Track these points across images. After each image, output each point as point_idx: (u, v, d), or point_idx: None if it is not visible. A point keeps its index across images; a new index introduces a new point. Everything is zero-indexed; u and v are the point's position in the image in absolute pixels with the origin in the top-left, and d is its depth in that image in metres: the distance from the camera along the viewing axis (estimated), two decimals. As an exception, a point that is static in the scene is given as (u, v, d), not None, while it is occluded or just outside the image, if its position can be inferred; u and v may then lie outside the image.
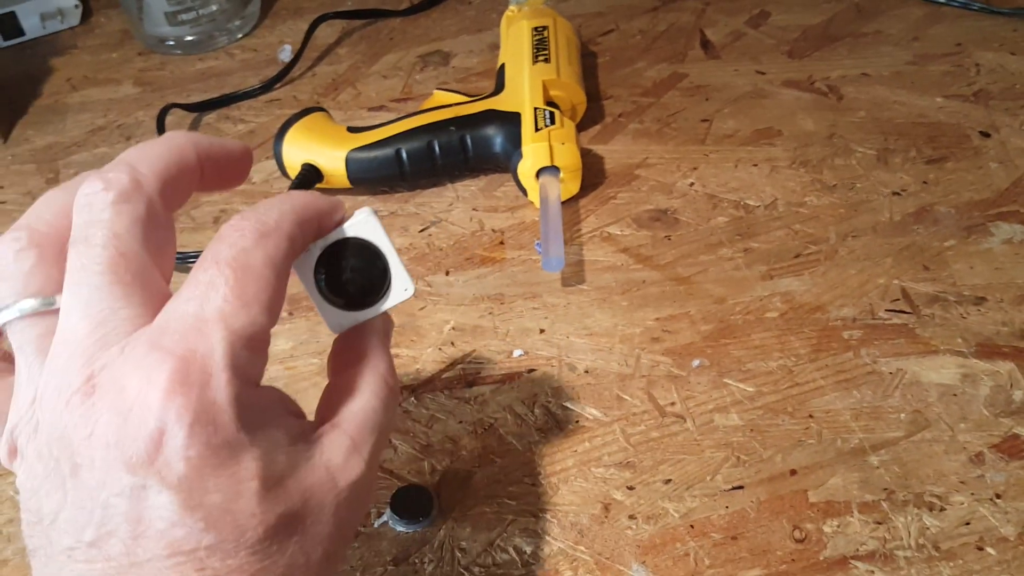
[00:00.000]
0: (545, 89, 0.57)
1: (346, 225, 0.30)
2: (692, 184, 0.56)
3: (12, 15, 0.75)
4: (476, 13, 0.74)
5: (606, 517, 0.40)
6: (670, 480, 0.41)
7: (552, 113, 0.55)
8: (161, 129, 0.62)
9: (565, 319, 0.49)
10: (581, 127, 0.61)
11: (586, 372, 0.46)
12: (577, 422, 0.44)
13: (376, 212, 0.30)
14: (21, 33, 0.76)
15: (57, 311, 0.25)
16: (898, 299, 0.48)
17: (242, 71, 0.70)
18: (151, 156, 0.27)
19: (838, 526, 0.39)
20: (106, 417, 0.23)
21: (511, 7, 0.65)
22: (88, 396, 0.23)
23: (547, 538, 0.40)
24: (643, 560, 0.39)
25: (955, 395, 0.43)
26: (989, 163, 0.56)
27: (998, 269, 0.49)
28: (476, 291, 0.51)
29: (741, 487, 0.41)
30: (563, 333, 0.48)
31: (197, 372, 0.23)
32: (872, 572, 0.37)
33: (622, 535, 0.40)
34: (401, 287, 0.31)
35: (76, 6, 0.77)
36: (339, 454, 0.27)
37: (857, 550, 0.38)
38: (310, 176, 0.56)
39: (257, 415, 0.24)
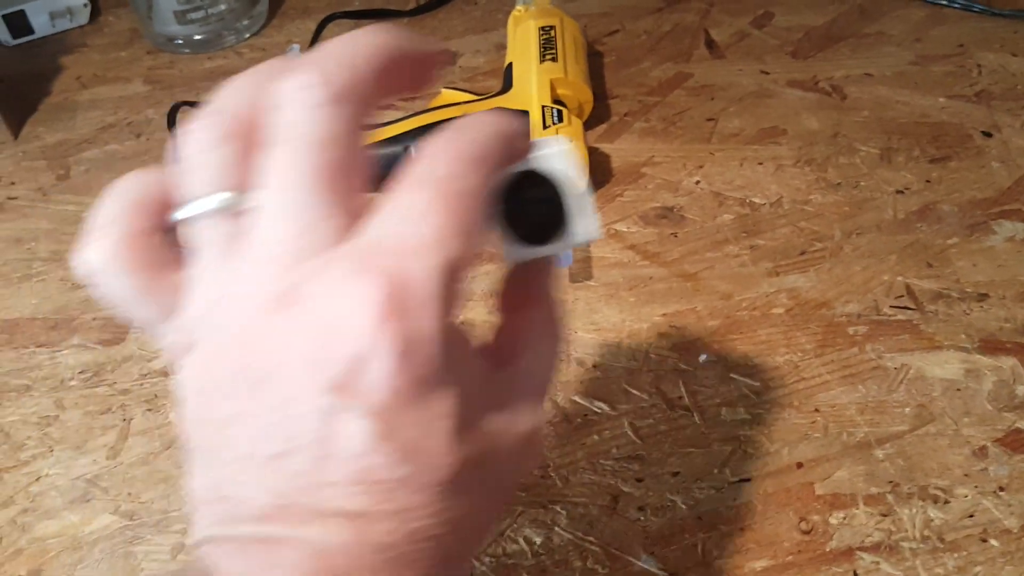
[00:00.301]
0: (552, 88, 0.58)
1: (539, 154, 0.27)
2: (698, 182, 0.57)
3: (22, 13, 0.75)
4: (482, 13, 0.75)
5: (615, 509, 0.41)
6: (678, 472, 0.42)
7: (560, 111, 0.55)
8: (173, 127, 0.63)
9: (573, 314, 0.50)
10: (587, 126, 0.61)
11: (594, 367, 0.47)
12: (585, 415, 0.45)
13: (567, 145, 0.28)
14: (30, 31, 0.77)
15: (248, 210, 0.23)
16: (902, 295, 0.49)
17: (250, 70, 0.71)
18: (365, 52, 0.24)
19: (844, 518, 0.40)
20: (307, 332, 0.21)
21: (518, 7, 0.66)
22: (287, 307, 0.22)
23: (556, 529, 0.40)
24: (652, 551, 0.39)
25: (959, 390, 0.44)
26: (991, 162, 0.56)
27: (1000, 266, 0.50)
28: (485, 287, 0.52)
29: (748, 480, 0.41)
30: (571, 328, 0.49)
31: (411, 299, 0.21)
32: (878, 563, 0.38)
33: (631, 526, 0.40)
34: (588, 226, 0.28)
35: (85, 5, 0.77)
36: (521, 401, 0.26)
37: (863, 541, 0.39)
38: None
39: (455, 351, 0.23)
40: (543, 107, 0.56)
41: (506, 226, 0.27)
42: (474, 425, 0.24)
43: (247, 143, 0.24)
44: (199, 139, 0.23)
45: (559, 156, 0.28)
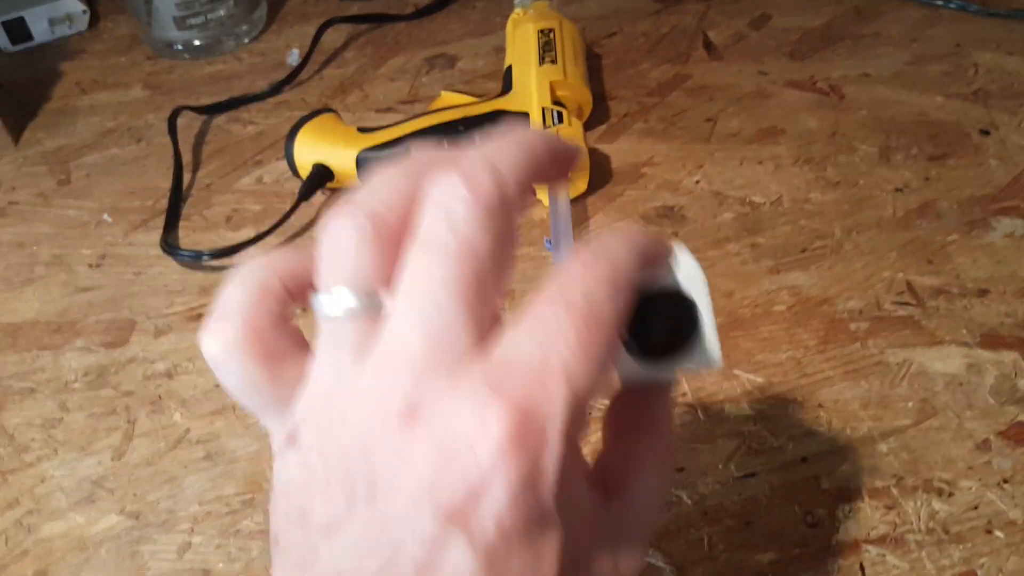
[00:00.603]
0: (552, 90, 0.58)
1: (672, 271, 0.26)
2: (698, 182, 0.57)
3: (21, 20, 0.76)
4: (480, 17, 0.75)
5: (621, 505, 0.41)
6: (683, 468, 0.42)
7: (560, 113, 0.56)
8: (173, 131, 0.63)
9: (575, 313, 0.50)
10: (587, 127, 0.62)
11: (597, 364, 0.47)
12: (589, 412, 0.45)
13: (698, 262, 0.26)
14: (30, 38, 0.77)
15: (383, 315, 0.22)
16: (903, 292, 0.49)
17: (250, 74, 0.71)
18: (513, 160, 0.24)
19: (849, 511, 0.40)
20: (427, 453, 0.20)
21: (516, 10, 0.66)
22: (411, 422, 0.21)
23: (563, 525, 0.40)
24: (658, 545, 0.39)
25: (961, 384, 0.44)
26: (989, 160, 0.56)
27: (1000, 262, 0.50)
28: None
29: (753, 474, 0.42)
30: (574, 327, 0.49)
31: (535, 433, 0.20)
32: (884, 555, 0.38)
33: (637, 522, 0.40)
34: (709, 351, 0.26)
35: (84, 11, 0.78)
36: (627, 539, 0.24)
37: (868, 534, 0.39)
38: (321, 176, 0.57)
39: (569, 486, 0.22)
40: (543, 109, 0.56)
41: (627, 342, 0.25)
42: (579, 566, 0.22)
43: (392, 243, 0.23)
44: (343, 234, 0.23)
45: (694, 278, 0.26)
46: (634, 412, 0.26)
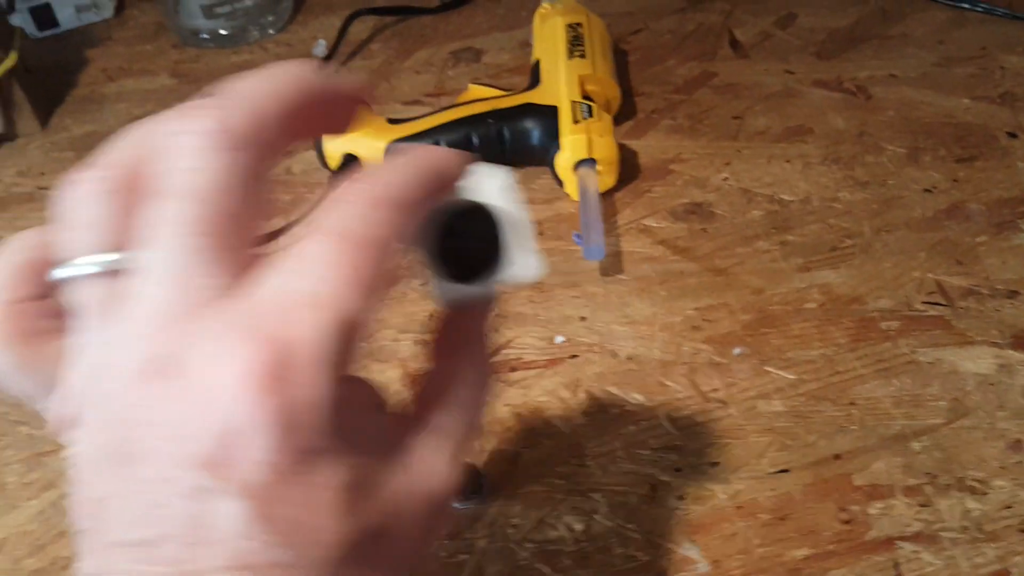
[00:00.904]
0: (581, 84, 0.58)
1: (477, 187, 0.25)
2: (726, 179, 0.57)
3: (47, 6, 0.76)
4: (506, 11, 0.75)
5: (654, 497, 0.41)
6: (717, 463, 0.42)
7: (589, 106, 0.56)
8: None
9: (605, 307, 0.50)
10: (615, 122, 0.61)
11: (628, 359, 0.47)
12: (622, 406, 0.45)
13: (507, 175, 0.26)
14: (56, 24, 0.77)
15: (130, 270, 0.21)
16: (933, 292, 0.49)
17: (276, 64, 0.71)
18: (272, 92, 0.22)
19: (883, 508, 0.40)
20: (177, 405, 0.19)
21: (544, 4, 0.66)
22: (157, 377, 0.20)
23: (596, 517, 0.41)
24: (693, 539, 0.40)
25: (992, 384, 0.44)
26: (1017, 163, 0.57)
27: (1030, 264, 0.50)
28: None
29: (787, 470, 0.42)
30: (604, 321, 0.49)
31: (295, 365, 0.19)
32: (918, 552, 0.38)
33: (671, 515, 0.41)
34: (527, 263, 0.25)
35: (110, -1, 0.78)
36: (434, 459, 0.24)
37: (903, 531, 0.39)
38: (350, 166, 0.57)
39: (347, 415, 0.21)
40: (573, 102, 0.56)
41: (439, 264, 0.25)
42: (372, 493, 0.22)
43: (133, 196, 0.21)
44: (80, 193, 0.22)
45: (500, 190, 0.25)
46: (450, 332, 0.26)
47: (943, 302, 0.49)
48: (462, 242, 0.25)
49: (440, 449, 0.24)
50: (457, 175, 0.25)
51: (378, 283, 0.21)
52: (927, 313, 0.48)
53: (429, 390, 0.25)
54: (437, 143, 0.56)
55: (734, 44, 0.69)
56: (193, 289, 0.20)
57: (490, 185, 0.25)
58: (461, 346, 0.26)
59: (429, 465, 0.23)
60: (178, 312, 0.20)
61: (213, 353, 0.19)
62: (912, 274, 0.50)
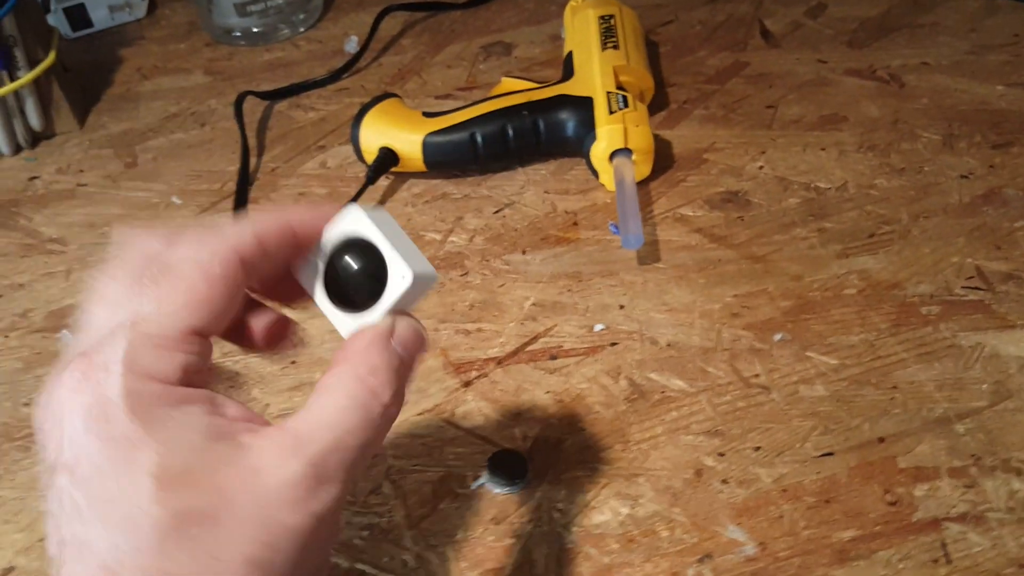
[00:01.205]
0: (615, 75, 0.59)
1: (340, 227, 0.28)
2: (761, 167, 0.57)
3: (82, 7, 0.77)
4: (535, 5, 0.76)
5: (699, 481, 0.41)
6: (760, 447, 0.42)
7: (624, 97, 0.56)
8: (239, 116, 0.64)
9: (644, 295, 0.50)
10: (648, 112, 0.62)
11: (668, 345, 0.48)
12: (663, 392, 0.45)
13: (370, 207, 0.28)
14: (90, 24, 0.78)
15: None
16: (972, 276, 0.49)
17: (309, 61, 0.72)
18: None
19: (928, 490, 0.40)
20: (39, 418, 0.24)
21: (575, -3, 0.67)
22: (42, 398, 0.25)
23: (642, 501, 0.41)
24: (739, 522, 0.40)
25: (1035, 368, 0.44)
26: (1054, 148, 0.56)
27: (1070, 248, 0.50)
28: (553, 269, 0.52)
29: (831, 454, 0.42)
30: (643, 309, 0.50)
31: (96, 370, 0.24)
32: (965, 533, 0.38)
33: (716, 498, 0.41)
34: (398, 275, 0.28)
35: (143, -1, 0.79)
36: (273, 453, 0.25)
37: (949, 512, 0.39)
38: (387, 159, 0.58)
39: (161, 411, 0.24)
40: (608, 93, 0.57)
41: (334, 301, 0.28)
42: (189, 478, 0.23)
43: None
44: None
45: (355, 220, 0.28)
46: (341, 352, 0.28)
47: (983, 287, 0.49)
48: (343, 275, 0.28)
49: (278, 444, 0.25)
50: (305, 219, 0.28)
51: (179, 303, 0.26)
52: (967, 298, 0.48)
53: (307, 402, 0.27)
54: (473, 135, 0.57)
55: (765, 34, 0.69)
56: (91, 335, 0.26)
57: (347, 218, 0.28)
58: (339, 362, 0.27)
59: (264, 458, 0.24)
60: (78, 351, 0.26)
61: (58, 373, 0.25)
62: (951, 259, 0.50)
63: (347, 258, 0.28)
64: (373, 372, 0.27)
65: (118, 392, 0.23)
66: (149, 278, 0.25)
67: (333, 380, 0.27)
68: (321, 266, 0.29)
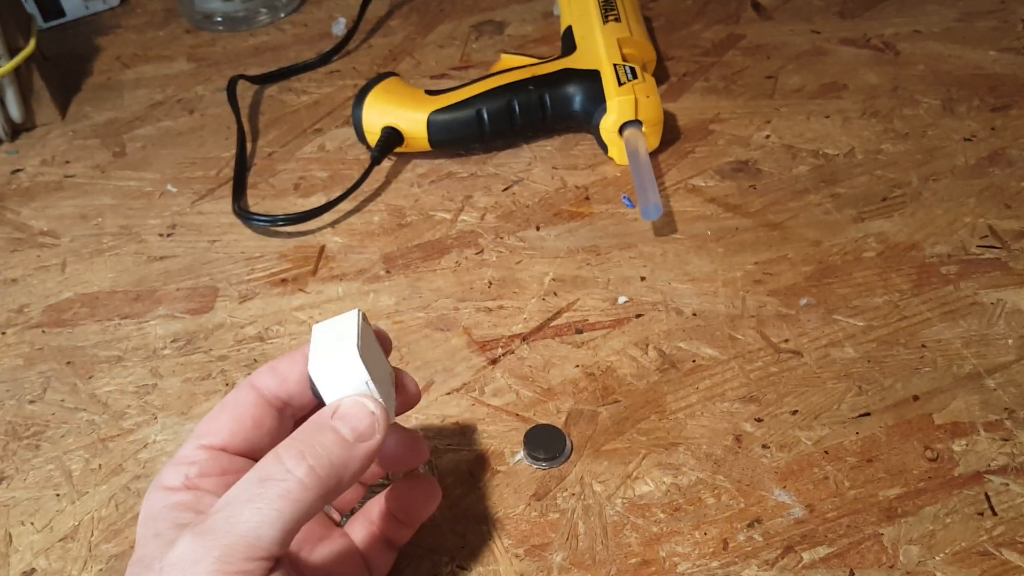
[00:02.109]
0: (619, 47, 0.58)
1: (333, 327, 0.32)
2: (768, 136, 0.57)
3: (53, -5, 0.74)
4: (522, -16, 0.75)
5: (739, 447, 0.41)
6: (797, 411, 0.42)
7: (632, 68, 0.56)
8: (233, 100, 0.62)
9: (664, 266, 0.50)
10: (649, 87, 0.61)
11: (694, 315, 0.47)
12: (694, 361, 0.45)
13: (353, 314, 0.32)
14: (62, 14, 0.75)
15: None
16: (987, 235, 0.50)
17: (296, 45, 0.70)
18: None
19: (967, 444, 0.40)
20: None
21: (568, -27, 0.66)
22: None
23: (684, 469, 0.41)
24: (784, 485, 0.40)
25: (1057, 321, 0.45)
26: (1051, 109, 0.57)
27: (1077, 205, 0.51)
28: (570, 244, 0.52)
29: (868, 414, 0.42)
30: (665, 279, 0.49)
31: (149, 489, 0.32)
32: (1007, 484, 0.39)
33: (758, 463, 0.40)
34: (355, 379, 0.31)
35: (116, -14, 0.76)
36: (191, 546, 0.27)
37: (988, 465, 0.39)
38: (391, 139, 0.56)
39: (157, 509, 0.30)
40: (615, 65, 0.56)
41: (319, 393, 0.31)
42: (140, 563, 0.29)
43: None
44: None
45: (351, 325, 0.32)
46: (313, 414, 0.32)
47: (997, 245, 0.49)
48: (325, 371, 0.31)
49: (201, 548, 0.27)
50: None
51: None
52: (983, 256, 0.49)
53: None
54: (479, 112, 0.56)
55: (756, 7, 0.69)
56: None
57: (344, 325, 0.32)
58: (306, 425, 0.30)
59: (183, 554, 0.27)
60: None
61: None
62: (964, 219, 0.51)
63: (330, 354, 0.31)
64: (287, 448, 0.29)
65: (145, 505, 0.31)
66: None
67: (265, 457, 0.29)
68: (316, 359, 0.31)
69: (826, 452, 0.41)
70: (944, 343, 0.45)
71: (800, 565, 0.37)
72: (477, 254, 0.52)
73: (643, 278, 0.49)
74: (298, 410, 0.34)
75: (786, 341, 0.45)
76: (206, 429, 0.32)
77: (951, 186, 0.53)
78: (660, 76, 0.63)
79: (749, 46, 0.65)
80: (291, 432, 0.30)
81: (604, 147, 0.57)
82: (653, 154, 0.57)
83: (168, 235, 0.55)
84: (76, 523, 0.41)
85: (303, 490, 0.28)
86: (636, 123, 0.54)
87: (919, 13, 0.67)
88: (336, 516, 0.38)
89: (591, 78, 0.56)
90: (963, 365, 0.43)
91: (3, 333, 0.50)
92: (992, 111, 0.58)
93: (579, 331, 0.47)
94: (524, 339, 0.47)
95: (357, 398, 0.31)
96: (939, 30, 0.65)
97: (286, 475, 0.28)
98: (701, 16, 0.68)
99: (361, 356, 0.31)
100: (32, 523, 0.41)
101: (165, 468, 0.32)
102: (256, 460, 0.31)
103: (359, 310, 0.33)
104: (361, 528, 0.37)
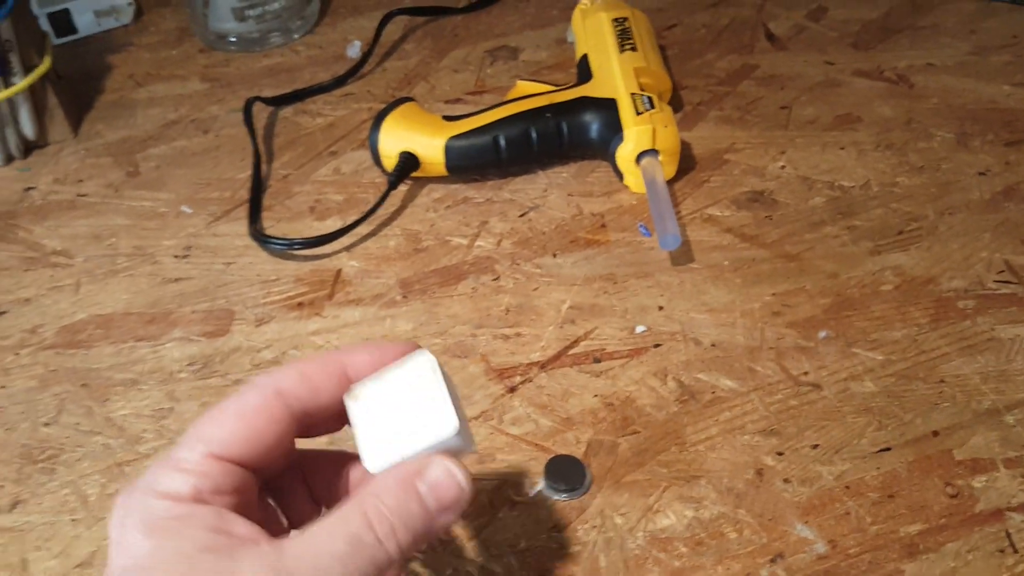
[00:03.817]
0: (636, 76, 0.58)
1: (399, 365, 0.30)
2: (783, 167, 0.57)
3: (66, 12, 0.74)
4: (536, 10, 0.75)
5: (761, 481, 0.41)
6: (817, 445, 0.42)
7: (650, 97, 0.56)
8: (249, 122, 0.62)
9: (682, 296, 0.50)
10: (664, 115, 0.62)
11: (713, 345, 0.47)
12: (713, 392, 0.45)
13: (432, 357, 0.30)
14: (74, 31, 0.75)
15: None
16: (1003, 271, 0.50)
17: (310, 67, 0.70)
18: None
19: (987, 481, 0.40)
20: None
21: (584, 1, 0.66)
22: None
23: (705, 502, 0.40)
24: (806, 520, 0.39)
25: (1075, 358, 0.45)
26: (1063, 145, 0.58)
27: (1092, 242, 0.51)
28: (587, 271, 0.52)
29: (888, 449, 0.42)
30: (682, 309, 0.49)
31: (131, 490, 0.28)
32: (1030, 523, 0.39)
33: (780, 497, 0.40)
34: (447, 424, 0.29)
35: (130, 4, 0.76)
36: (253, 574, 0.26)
37: (1010, 502, 0.39)
38: (408, 164, 0.56)
39: (165, 522, 0.27)
40: (632, 95, 0.56)
41: (370, 431, 0.30)
42: None
43: None
44: None
45: (420, 365, 0.30)
46: (361, 484, 0.32)
47: (1014, 280, 0.49)
48: (389, 408, 0.30)
49: (258, 566, 0.26)
50: (360, 360, 0.31)
51: (197, 437, 0.29)
52: (1000, 291, 0.49)
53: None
54: (496, 138, 0.56)
55: (770, 37, 0.69)
56: None
57: (413, 362, 0.30)
58: (358, 497, 0.28)
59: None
60: None
61: None
62: (980, 254, 0.51)
63: (400, 396, 0.29)
64: (380, 518, 0.27)
65: (135, 508, 0.27)
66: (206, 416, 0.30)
67: (344, 512, 0.28)
68: (369, 398, 0.30)
69: (847, 487, 0.41)
70: (963, 378, 0.45)
71: (824, 603, 0.37)
72: (494, 280, 0.52)
73: (661, 307, 0.49)
74: (312, 420, 0.31)
75: (805, 374, 0.45)
76: (216, 435, 0.29)
77: (966, 220, 0.53)
78: (675, 105, 0.63)
79: (763, 76, 0.65)
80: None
81: (620, 175, 0.57)
82: (669, 183, 0.57)
83: (183, 257, 0.55)
84: (93, 549, 0.41)
85: (389, 561, 0.27)
86: (653, 152, 0.54)
87: (932, 46, 0.67)
88: None
89: (608, 106, 0.56)
90: (982, 401, 0.44)
91: (16, 354, 0.50)
92: (1006, 145, 0.58)
93: (597, 360, 0.47)
94: (542, 367, 0.47)
95: (447, 465, 0.29)
96: (952, 63, 0.65)
97: (377, 545, 0.27)
98: (715, 46, 0.69)
99: (454, 404, 0.29)
100: (48, 548, 0.41)
101: (160, 470, 0.28)
102: (259, 475, 0.30)
103: (430, 355, 0.31)
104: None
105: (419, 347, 0.31)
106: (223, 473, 0.28)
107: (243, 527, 0.27)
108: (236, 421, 0.29)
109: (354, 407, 0.30)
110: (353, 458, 0.32)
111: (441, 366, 0.30)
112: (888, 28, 0.69)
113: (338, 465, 0.33)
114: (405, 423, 0.29)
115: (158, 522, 0.27)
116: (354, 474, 0.33)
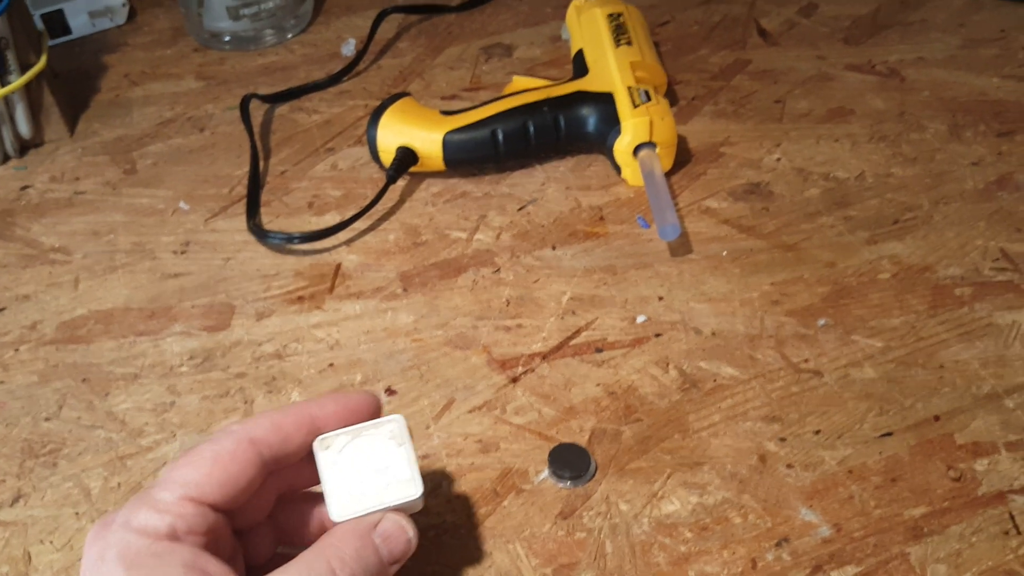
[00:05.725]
0: (632, 70, 0.59)
1: (374, 425, 0.34)
2: (779, 159, 0.58)
3: (60, 13, 0.74)
4: (529, 8, 0.76)
5: (764, 466, 0.41)
6: (819, 431, 0.43)
7: (647, 91, 0.56)
8: (246, 118, 0.62)
9: (681, 286, 0.50)
10: (660, 110, 0.62)
11: (713, 334, 0.47)
12: (715, 380, 0.45)
13: (404, 422, 0.34)
14: (68, 31, 0.75)
15: None
16: (998, 258, 0.50)
17: (305, 65, 0.71)
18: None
19: (989, 464, 0.41)
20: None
21: (577, -2, 0.67)
22: None
23: (709, 488, 0.41)
24: (810, 504, 0.40)
25: (1071, 343, 0.46)
26: (1054, 136, 0.58)
27: (1084, 229, 0.52)
28: (586, 263, 0.52)
29: (890, 434, 0.42)
30: (682, 299, 0.49)
31: (107, 525, 0.30)
32: (1031, 504, 0.39)
33: (783, 482, 0.41)
34: (409, 487, 0.33)
35: (124, 4, 0.76)
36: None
37: (1012, 485, 0.40)
38: (406, 159, 0.56)
39: (142, 559, 0.28)
40: (629, 88, 0.57)
41: (338, 482, 0.33)
42: None
43: None
44: None
45: (392, 428, 0.34)
46: (327, 533, 0.33)
47: (1009, 267, 0.50)
48: (357, 463, 0.33)
49: None
50: (329, 414, 0.34)
51: (175, 480, 0.31)
52: (996, 279, 0.49)
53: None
54: (494, 132, 0.56)
55: (762, 33, 0.70)
56: None
57: (386, 425, 0.34)
58: (320, 544, 0.31)
59: None
60: None
61: None
62: (975, 242, 0.51)
63: (371, 453, 0.33)
64: (342, 565, 0.30)
65: (114, 542, 0.29)
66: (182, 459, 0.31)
67: (308, 558, 0.30)
68: (338, 451, 0.33)
69: (850, 471, 0.41)
70: (962, 364, 0.45)
71: (831, 584, 0.37)
72: (494, 273, 0.52)
73: (660, 298, 0.50)
74: (281, 466, 0.33)
75: (806, 361, 0.46)
76: (192, 478, 0.31)
77: (961, 209, 0.54)
78: (669, 100, 0.63)
79: (756, 71, 0.66)
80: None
81: (617, 168, 0.57)
82: (666, 176, 0.57)
83: (182, 252, 0.55)
84: (94, 543, 0.41)
85: None
86: (650, 145, 0.55)
87: (922, 40, 0.68)
88: None
89: (605, 100, 0.57)
90: (981, 386, 0.44)
91: (16, 350, 0.50)
92: (998, 136, 0.59)
93: (599, 350, 0.47)
94: (544, 358, 0.47)
95: (399, 520, 0.32)
96: (942, 57, 0.66)
97: None
98: (708, 41, 0.69)
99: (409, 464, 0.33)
100: (51, 542, 0.40)
101: (137, 508, 0.30)
102: (230, 517, 0.32)
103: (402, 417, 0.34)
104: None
105: (379, 400, 0.35)
106: (197, 515, 0.30)
107: (216, 567, 0.29)
108: (212, 466, 0.31)
109: (324, 457, 0.33)
110: (316, 497, 0.35)
111: (409, 429, 0.34)
112: (878, 23, 0.70)
113: (305, 503, 0.36)
114: (372, 480, 0.32)
115: (137, 557, 0.29)
116: (316, 512, 0.36)
